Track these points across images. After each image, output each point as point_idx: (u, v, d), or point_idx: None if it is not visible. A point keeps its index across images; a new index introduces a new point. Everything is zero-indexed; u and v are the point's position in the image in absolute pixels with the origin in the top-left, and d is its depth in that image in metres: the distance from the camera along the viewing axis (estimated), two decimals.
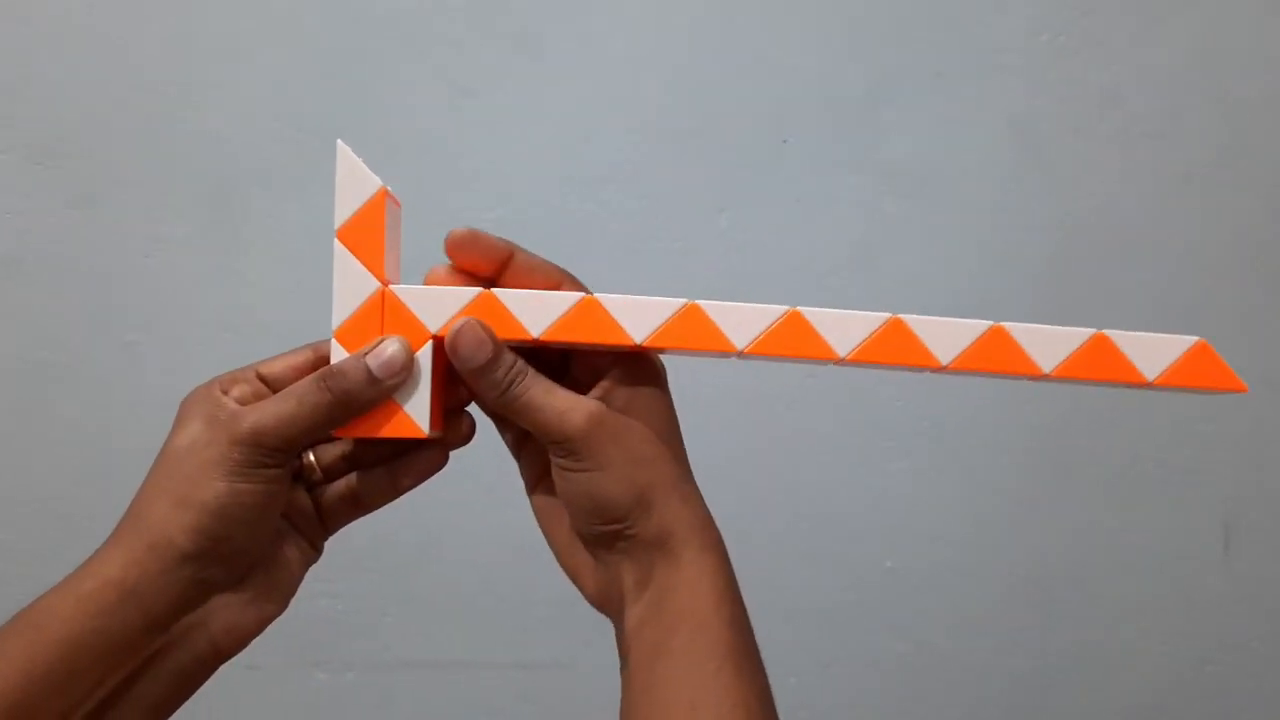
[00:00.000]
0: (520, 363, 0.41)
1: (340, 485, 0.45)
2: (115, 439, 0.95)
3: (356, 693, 1.00)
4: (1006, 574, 1.01)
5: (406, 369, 0.41)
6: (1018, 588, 1.01)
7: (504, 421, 0.46)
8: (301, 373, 0.43)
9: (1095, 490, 1.00)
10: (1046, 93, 0.95)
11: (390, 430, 0.42)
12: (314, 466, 0.45)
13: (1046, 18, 0.95)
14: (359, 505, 0.46)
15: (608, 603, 0.43)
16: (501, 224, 0.95)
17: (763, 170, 0.95)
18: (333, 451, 0.45)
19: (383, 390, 0.41)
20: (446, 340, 0.41)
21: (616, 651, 0.44)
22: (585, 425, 0.39)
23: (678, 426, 0.44)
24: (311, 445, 0.44)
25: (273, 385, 0.43)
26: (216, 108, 0.93)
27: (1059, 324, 1.03)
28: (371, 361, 0.40)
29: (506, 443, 0.47)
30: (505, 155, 0.95)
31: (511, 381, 0.40)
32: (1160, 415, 0.99)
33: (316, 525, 0.46)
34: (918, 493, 1.00)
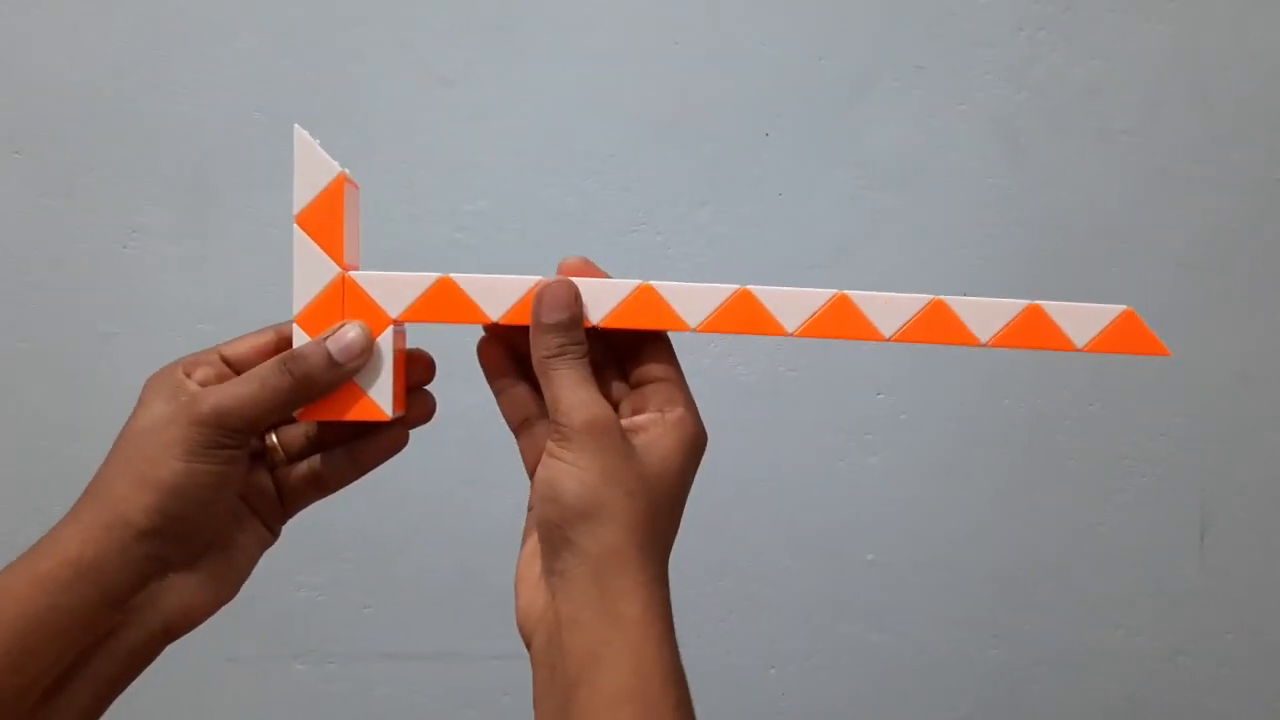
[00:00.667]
0: (581, 344, 0.42)
1: (303, 466, 0.45)
2: (91, 429, 0.95)
3: (337, 684, 1.00)
4: (985, 567, 1.02)
5: (366, 353, 0.42)
6: (996, 580, 1.02)
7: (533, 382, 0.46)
8: (264, 354, 0.43)
9: (1072, 484, 1.01)
10: (1027, 88, 0.96)
11: (353, 414, 0.43)
12: (277, 448, 0.45)
13: (1028, 13, 0.95)
14: (321, 486, 0.46)
15: (532, 625, 0.42)
16: (483, 216, 0.94)
17: (745, 164, 0.95)
18: (295, 432, 0.45)
19: (343, 374, 0.41)
20: (537, 289, 0.42)
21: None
22: (584, 423, 0.40)
23: (677, 504, 0.43)
24: (272, 427, 0.44)
25: (236, 367, 0.43)
26: (193, 97, 0.93)
27: None
28: (332, 346, 0.41)
29: (509, 423, 0.47)
30: (486, 146, 0.94)
31: (562, 352, 0.41)
32: (1137, 410, 1.00)
33: (276, 507, 0.46)
34: (898, 486, 1.00)
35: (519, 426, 0.46)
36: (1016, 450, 1.00)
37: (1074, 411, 1.00)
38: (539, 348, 0.42)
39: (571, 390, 0.41)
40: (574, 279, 0.43)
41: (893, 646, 1.03)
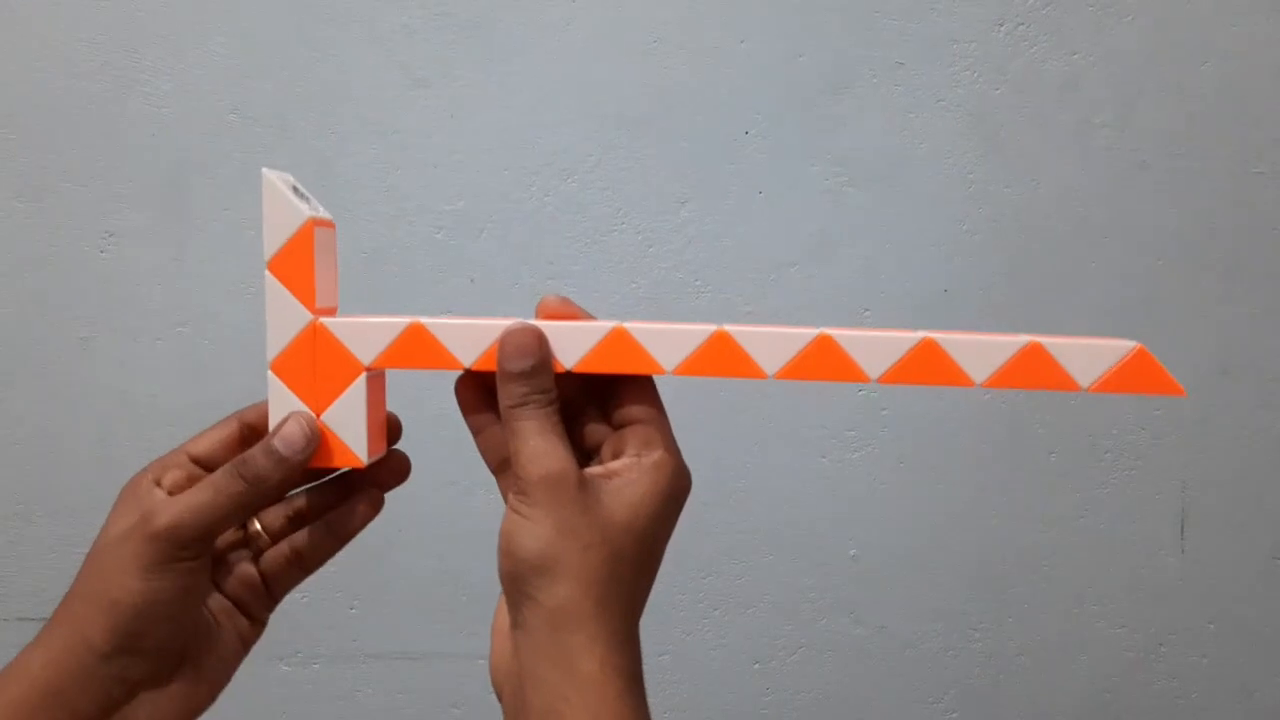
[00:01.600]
0: (546, 393, 0.41)
1: (283, 547, 0.45)
2: (69, 435, 0.94)
3: (322, 685, 1.00)
4: (967, 560, 1.02)
5: (313, 441, 0.41)
6: (978, 573, 1.03)
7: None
8: (230, 448, 0.43)
9: (1053, 477, 1.01)
10: (1006, 83, 0.96)
11: (329, 461, 0.42)
12: (260, 534, 0.45)
13: (1006, 8, 0.95)
14: (303, 565, 0.45)
15: (501, 677, 0.42)
16: (462, 217, 0.94)
17: (724, 161, 0.95)
18: (275, 514, 0.45)
19: (293, 467, 0.41)
20: (501, 333, 0.41)
21: None
22: (539, 477, 0.39)
23: (646, 553, 0.41)
24: (233, 527, 0.44)
25: (205, 465, 0.43)
26: (168, 99, 0.92)
27: (1018, 311, 1.04)
28: (277, 443, 0.41)
29: (488, 463, 0.46)
30: (464, 146, 0.94)
31: (524, 402, 0.40)
32: (1116, 402, 1.01)
33: (263, 595, 0.45)
34: (880, 481, 1.00)
35: (497, 467, 0.45)
36: (998, 444, 1.01)
37: (1054, 405, 1.00)
38: (504, 396, 0.41)
39: (530, 440, 0.40)
40: (542, 323, 0.41)
41: (876, 640, 1.03)
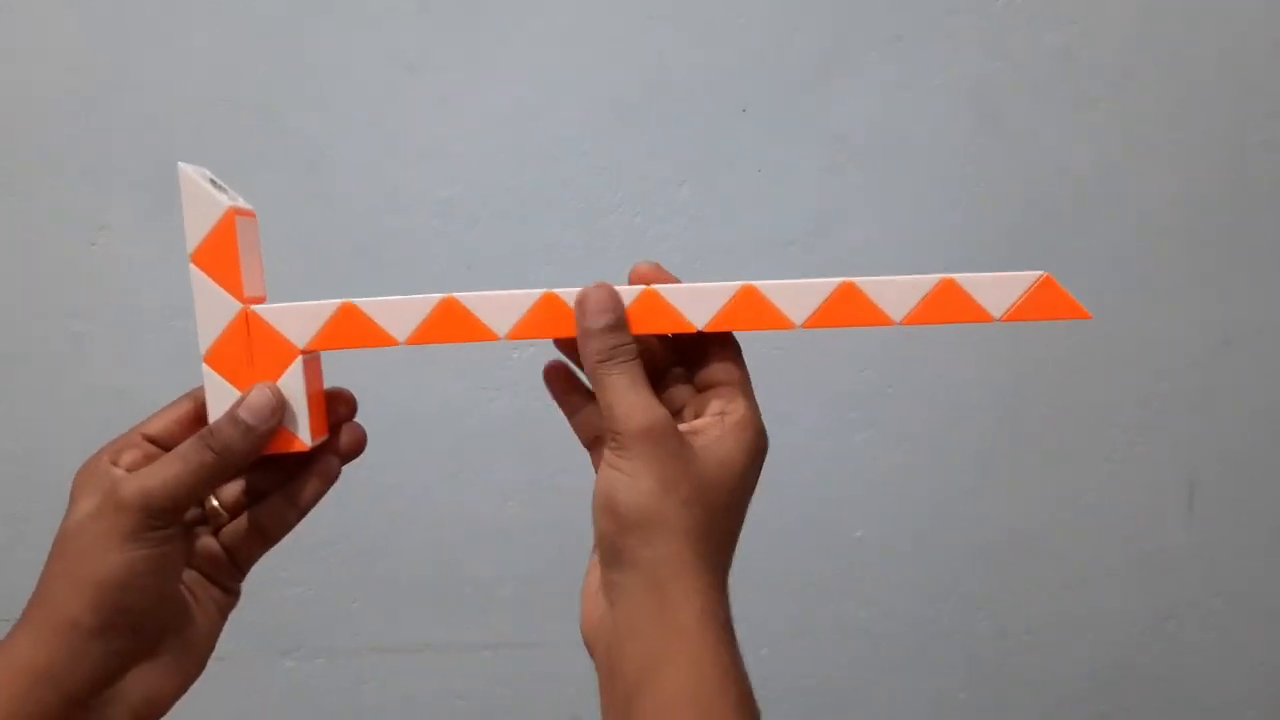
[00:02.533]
0: (630, 345, 0.42)
1: (243, 521, 0.45)
2: (63, 431, 0.93)
3: (326, 679, 0.99)
4: (973, 539, 1.02)
5: (278, 410, 0.42)
6: (984, 552, 1.02)
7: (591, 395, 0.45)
8: (185, 426, 0.43)
9: (1058, 454, 1.01)
10: (1003, 56, 0.95)
11: (274, 447, 0.43)
12: (219, 510, 0.45)
13: None
14: (265, 537, 0.46)
15: (594, 635, 0.42)
16: (457, 201, 0.93)
17: (722, 140, 0.94)
18: (232, 490, 0.45)
19: (260, 436, 0.41)
20: (578, 294, 0.42)
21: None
22: (639, 429, 0.39)
23: (736, 508, 0.42)
24: (201, 500, 0.44)
25: (161, 444, 0.43)
26: (156, 89, 0.91)
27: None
28: (244, 413, 0.41)
29: (582, 440, 0.47)
30: (457, 131, 0.93)
31: (611, 356, 0.41)
32: (1122, 378, 1.00)
33: (229, 567, 0.46)
34: (885, 462, 1.00)
35: (590, 443, 0.46)
36: (1002, 422, 1.00)
37: (1059, 381, 1.00)
38: (589, 353, 0.42)
39: (624, 395, 0.40)
40: (663, 286, 0.42)
41: (882, 622, 1.03)
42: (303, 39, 0.91)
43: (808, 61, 0.94)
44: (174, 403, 0.44)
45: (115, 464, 0.41)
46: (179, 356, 0.93)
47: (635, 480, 0.39)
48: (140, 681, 0.42)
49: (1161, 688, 1.06)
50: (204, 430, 0.41)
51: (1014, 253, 0.97)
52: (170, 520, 0.40)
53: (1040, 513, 1.02)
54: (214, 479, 0.41)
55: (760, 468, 0.43)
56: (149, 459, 0.42)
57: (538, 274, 0.93)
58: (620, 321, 0.42)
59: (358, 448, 0.47)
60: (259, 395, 0.42)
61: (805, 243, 0.96)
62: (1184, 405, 1.01)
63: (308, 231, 0.91)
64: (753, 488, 0.43)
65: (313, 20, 0.91)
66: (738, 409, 0.42)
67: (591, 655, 0.42)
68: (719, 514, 0.41)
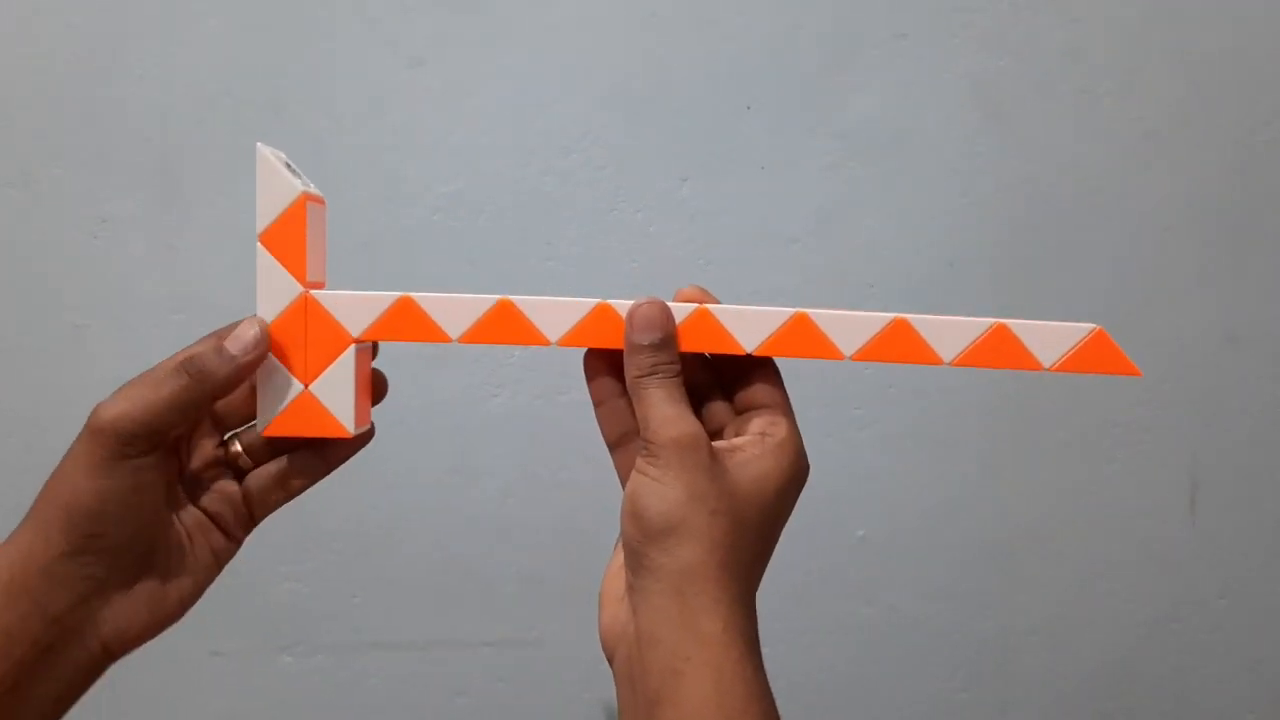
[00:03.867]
0: (673, 364, 0.42)
1: (270, 467, 0.45)
2: (63, 425, 0.93)
3: (326, 675, 0.99)
4: (975, 538, 1.02)
5: (262, 343, 0.42)
6: (987, 551, 1.02)
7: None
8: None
9: (1061, 452, 1.01)
10: (1009, 52, 0.95)
11: (316, 430, 0.43)
12: (241, 454, 0.45)
13: None
14: (287, 488, 0.46)
15: (614, 641, 0.42)
16: (460, 197, 0.93)
17: (726, 137, 0.94)
18: (259, 438, 0.45)
19: (238, 366, 0.41)
20: (629, 309, 0.43)
21: (608, 664, 0.42)
22: (671, 439, 0.40)
23: (767, 526, 0.42)
24: (179, 431, 0.43)
25: None
26: (159, 81, 0.90)
27: (1022, 284, 1.03)
28: (229, 344, 0.41)
29: (606, 437, 0.47)
30: (459, 126, 0.93)
31: (654, 371, 0.42)
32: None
33: (242, 514, 0.46)
34: (887, 460, 1.00)
35: (615, 441, 0.46)
36: (1005, 420, 1.00)
37: (1061, 379, 0.99)
38: (632, 367, 0.42)
39: (660, 407, 0.41)
40: (716, 307, 0.43)
41: (885, 620, 1.02)
42: (306, 32, 0.91)
43: (811, 59, 0.94)
44: (201, 340, 0.43)
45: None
46: (180, 350, 0.92)
47: (664, 487, 0.39)
48: (113, 612, 0.42)
49: (1163, 687, 1.05)
50: (184, 356, 0.41)
51: (1017, 251, 0.96)
52: (145, 447, 0.40)
53: (1042, 512, 1.02)
54: (189, 405, 0.41)
55: (798, 492, 0.43)
56: None
57: (539, 270, 0.93)
58: (669, 339, 0.42)
59: (380, 396, 0.47)
60: (247, 327, 0.42)
61: (808, 241, 0.95)
62: (1186, 404, 1.00)
63: None
64: (788, 510, 0.43)
65: (316, 14, 0.91)
66: (779, 431, 0.43)
67: (610, 662, 0.42)
68: (749, 530, 0.41)
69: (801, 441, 0.43)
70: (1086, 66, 0.95)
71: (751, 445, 0.42)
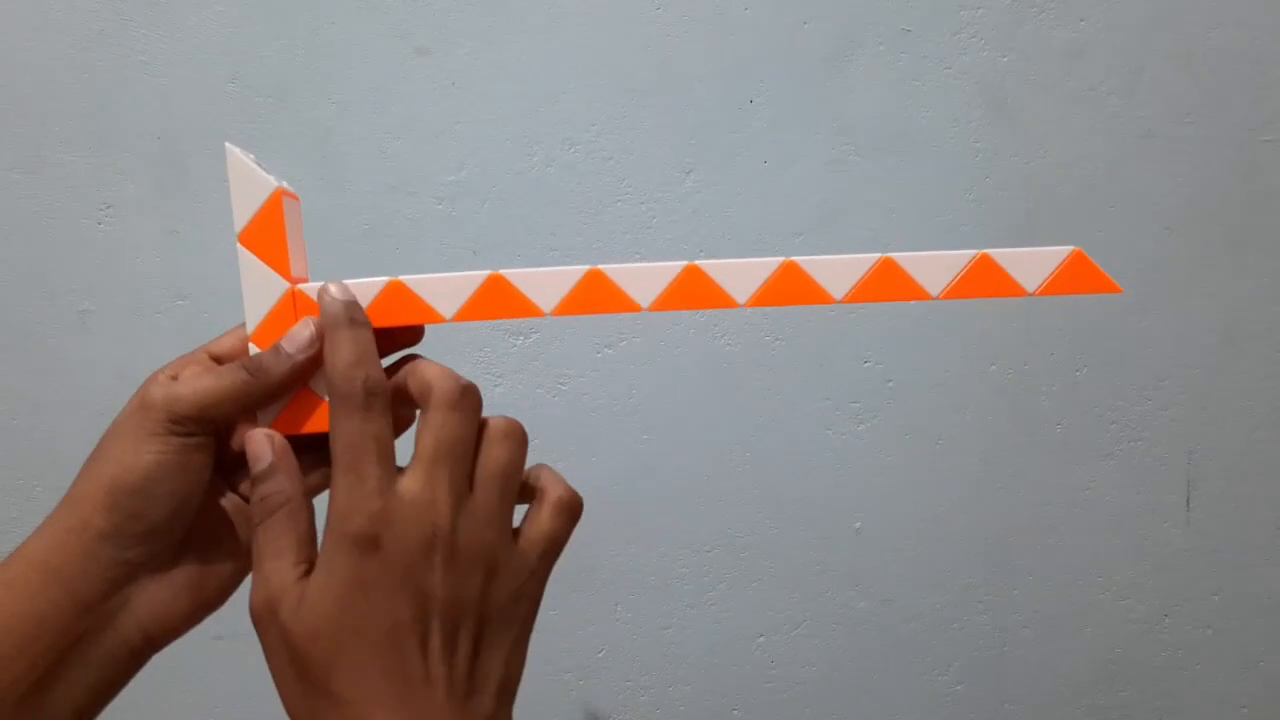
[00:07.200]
0: (289, 503, 0.39)
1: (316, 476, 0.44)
2: (68, 409, 0.94)
3: None
4: (972, 532, 1.02)
5: (315, 341, 0.41)
6: (984, 545, 1.02)
7: None
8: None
9: (1059, 449, 1.01)
10: (1013, 50, 0.95)
11: (321, 426, 0.42)
12: None
13: None
14: (326, 477, 0.44)
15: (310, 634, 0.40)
16: (463, 186, 0.93)
17: (729, 131, 0.94)
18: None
19: (296, 365, 0.41)
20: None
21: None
22: (254, 609, 0.38)
23: (396, 635, 0.38)
24: (230, 421, 0.43)
25: (224, 362, 0.43)
26: (165, 67, 0.91)
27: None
28: (284, 343, 0.41)
29: None
30: (465, 116, 0.93)
31: (262, 507, 0.39)
32: (1123, 373, 1.00)
33: None
34: (886, 453, 1.00)
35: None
36: (1003, 416, 1.00)
37: (1060, 376, 1.00)
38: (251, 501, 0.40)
39: (260, 559, 0.39)
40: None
41: (881, 613, 1.03)
42: (313, 19, 0.91)
43: (815, 53, 0.94)
44: (241, 325, 0.44)
45: (174, 378, 0.41)
46: (185, 336, 0.93)
47: (270, 662, 0.39)
48: (151, 599, 0.41)
49: (1158, 683, 1.06)
50: (245, 357, 0.41)
51: (1020, 245, 0.96)
52: (194, 428, 0.40)
53: (1039, 508, 1.02)
54: (245, 397, 0.40)
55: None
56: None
57: (543, 260, 0.93)
58: (271, 471, 0.39)
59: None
60: (301, 327, 0.41)
61: (811, 235, 0.96)
62: (1184, 403, 1.01)
63: (314, 212, 0.91)
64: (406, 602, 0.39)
65: (325, 1, 0.91)
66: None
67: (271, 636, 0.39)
68: (362, 657, 0.38)
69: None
70: (1091, 65, 0.95)
71: (325, 561, 0.39)
